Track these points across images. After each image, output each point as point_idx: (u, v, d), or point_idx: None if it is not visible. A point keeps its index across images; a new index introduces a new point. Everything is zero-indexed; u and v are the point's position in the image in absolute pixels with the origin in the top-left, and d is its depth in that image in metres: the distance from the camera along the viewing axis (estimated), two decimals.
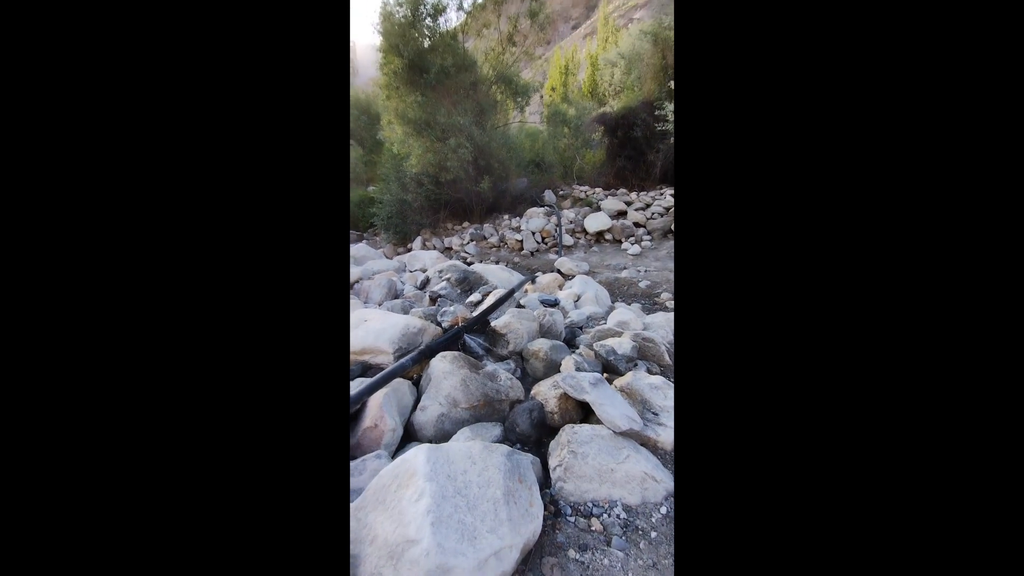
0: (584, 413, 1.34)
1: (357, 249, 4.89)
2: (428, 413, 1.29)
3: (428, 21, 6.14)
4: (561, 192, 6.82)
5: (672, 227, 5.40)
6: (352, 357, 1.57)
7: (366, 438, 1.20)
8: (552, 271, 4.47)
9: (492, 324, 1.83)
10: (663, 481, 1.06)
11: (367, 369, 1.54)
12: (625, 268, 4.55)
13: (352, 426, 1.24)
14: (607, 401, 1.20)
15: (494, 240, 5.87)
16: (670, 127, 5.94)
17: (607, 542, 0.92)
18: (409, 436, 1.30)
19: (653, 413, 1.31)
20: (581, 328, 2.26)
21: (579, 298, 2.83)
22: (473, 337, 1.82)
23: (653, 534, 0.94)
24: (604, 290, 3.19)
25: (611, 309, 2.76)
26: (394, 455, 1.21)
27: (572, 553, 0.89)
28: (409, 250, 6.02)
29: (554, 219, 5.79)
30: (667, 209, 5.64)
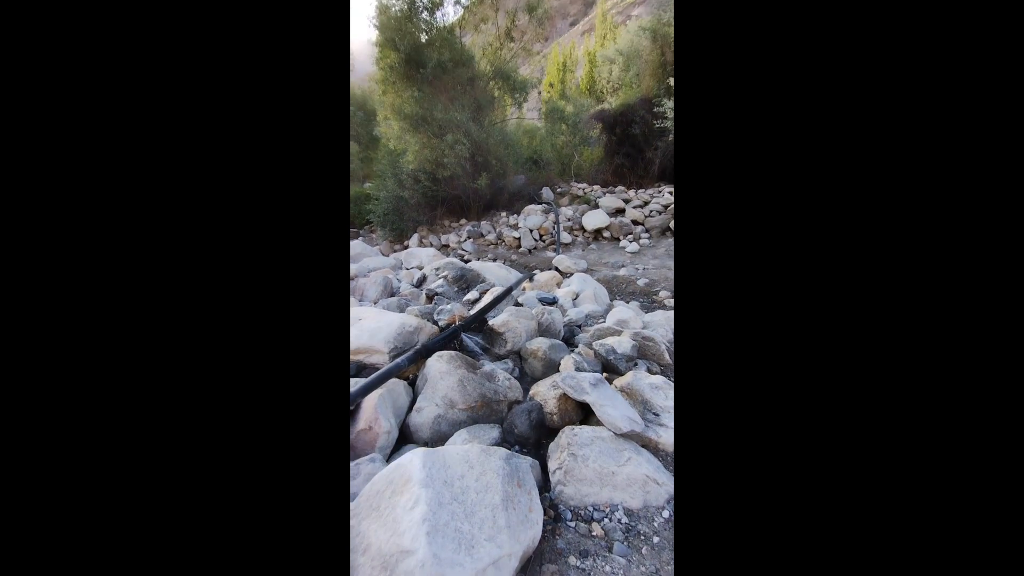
0: (584, 414, 1.31)
1: (353, 246, 4.84)
2: (424, 414, 1.26)
3: (425, 15, 6.06)
4: (559, 189, 6.78)
5: (671, 225, 5.38)
6: None
7: (360, 441, 1.17)
8: (550, 269, 4.44)
9: (490, 323, 1.80)
10: (665, 484, 1.03)
11: (361, 369, 1.51)
12: (623, 266, 4.53)
13: (349, 426, 1.21)
14: (608, 402, 1.17)
15: (491, 237, 5.83)
16: (669, 124, 5.91)
17: (608, 548, 0.89)
18: (405, 438, 1.27)
19: (654, 414, 1.28)
20: (580, 326, 2.23)
21: (577, 296, 2.80)
22: (470, 336, 1.79)
23: (655, 539, 0.92)
24: (603, 288, 3.16)
25: (610, 307, 2.74)
26: (389, 458, 1.18)
27: (573, 560, 0.86)
28: (406, 247, 5.97)
29: (552, 216, 5.75)
30: (665, 207, 5.62)
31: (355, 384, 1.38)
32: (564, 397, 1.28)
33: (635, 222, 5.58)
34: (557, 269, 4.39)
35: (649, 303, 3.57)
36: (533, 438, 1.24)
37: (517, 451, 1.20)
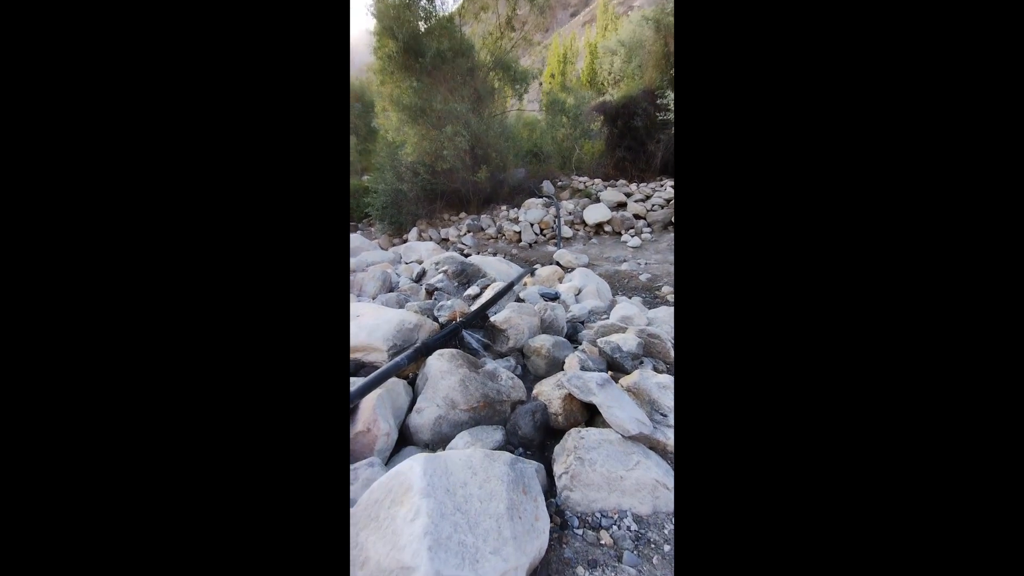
0: (589, 414, 1.27)
1: (351, 240, 4.77)
2: (425, 415, 1.22)
3: (424, 3, 5.93)
4: (559, 183, 6.70)
5: (673, 219, 5.32)
6: None
7: (358, 443, 1.12)
8: (551, 263, 4.39)
9: (491, 319, 1.75)
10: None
11: (359, 368, 1.46)
12: (625, 261, 4.48)
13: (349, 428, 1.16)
14: (615, 403, 1.13)
15: (492, 231, 5.77)
16: (672, 116, 5.82)
17: (618, 558, 0.86)
18: (404, 440, 1.23)
19: (661, 415, 1.24)
20: (583, 323, 2.19)
21: (580, 292, 2.75)
22: (471, 333, 1.74)
23: (666, 547, 0.88)
24: (605, 283, 3.12)
25: (613, 303, 2.69)
26: (388, 461, 1.14)
27: (581, 571, 0.82)
28: (405, 241, 5.90)
29: (553, 210, 5.69)
30: (668, 201, 5.55)
31: (353, 384, 1.33)
32: (569, 397, 1.24)
33: (637, 216, 5.51)
34: (558, 264, 4.34)
35: (652, 299, 3.52)
36: (537, 440, 1.20)
37: (521, 454, 1.16)
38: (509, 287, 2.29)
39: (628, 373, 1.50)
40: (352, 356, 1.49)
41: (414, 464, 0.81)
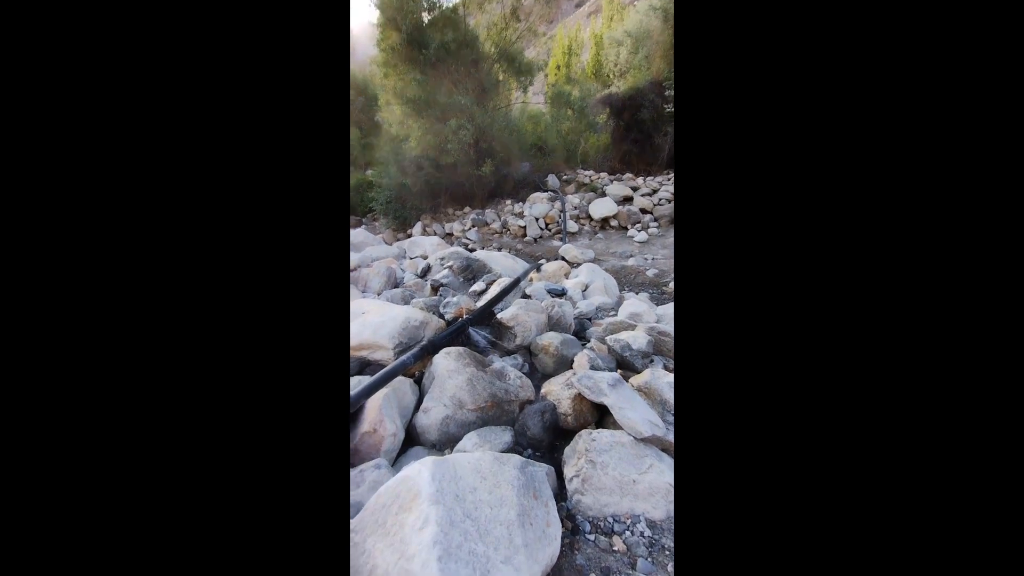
0: (599, 414, 1.24)
1: (356, 235, 4.75)
2: (432, 415, 1.20)
3: None
4: (565, 177, 6.62)
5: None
6: (349, 353, 1.47)
7: (364, 444, 1.10)
8: (556, 258, 4.34)
9: (498, 316, 1.72)
10: None
11: (365, 366, 1.44)
12: (632, 256, 4.42)
13: (350, 431, 1.14)
14: (627, 404, 1.10)
15: (496, 226, 5.72)
16: None
17: (632, 564, 0.83)
18: (411, 439, 1.21)
19: (673, 415, 1.21)
20: (590, 319, 2.15)
21: (587, 287, 2.71)
22: (478, 330, 1.72)
23: None
24: (612, 279, 3.07)
25: (621, 299, 2.65)
26: (395, 462, 1.12)
27: None
28: (409, 236, 5.87)
29: (558, 205, 5.62)
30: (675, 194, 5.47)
31: (359, 383, 1.31)
32: (579, 397, 1.21)
33: (643, 211, 5.44)
34: (563, 259, 4.30)
35: (659, 294, 3.48)
36: (547, 441, 1.17)
37: (530, 455, 1.14)
38: (515, 283, 2.25)
39: (638, 372, 1.47)
40: (357, 354, 1.47)
41: (422, 469, 0.79)
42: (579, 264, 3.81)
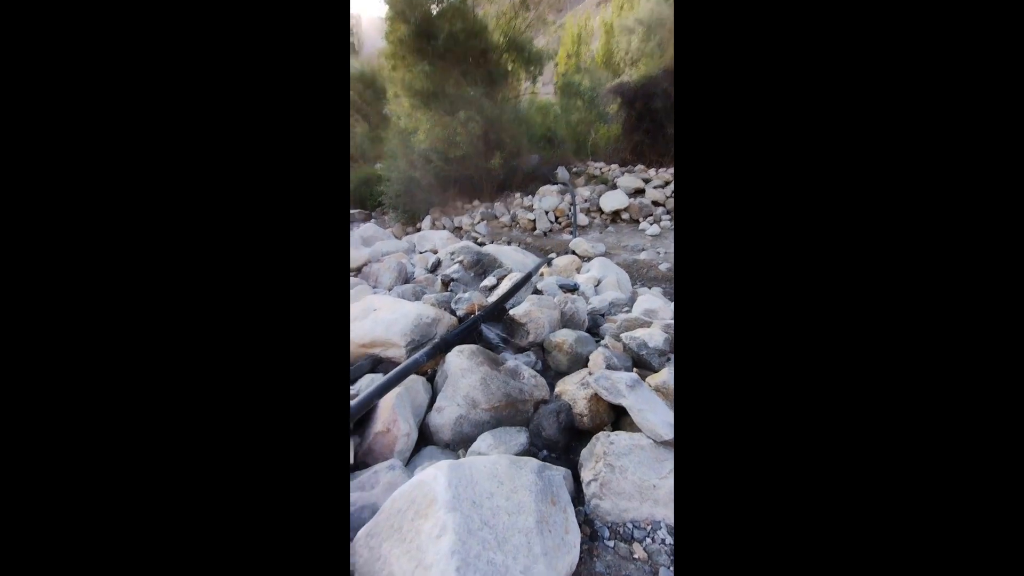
0: (616, 415, 1.21)
1: (365, 229, 4.75)
2: (445, 415, 1.18)
3: None
4: (575, 169, 6.52)
5: None
6: (361, 350, 1.46)
7: (378, 443, 1.09)
8: (566, 252, 4.29)
9: (511, 312, 1.70)
10: None
11: (377, 363, 1.43)
12: (643, 249, 4.35)
13: (362, 430, 1.13)
14: (647, 406, 1.07)
15: (505, 220, 5.67)
16: None
17: (653, 573, 0.80)
18: (424, 439, 1.19)
19: None
20: (603, 315, 2.11)
21: (599, 282, 2.67)
22: (490, 327, 1.69)
23: None
24: (625, 274, 3.02)
25: (634, 295, 2.60)
26: (409, 461, 1.10)
27: None
28: (418, 230, 5.86)
29: (568, 197, 5.55)
30: None
31: (372, 381, 1.30)
32: (596, 398, 1.18)
33: (655, 203, 5.33)
34: (574, 253, 4.24)
35: (672, 289, 3.41)
36: (562, 442, 1.14)
37: (545, 456, 1.11)
38: (527, 278, 2.22)
39: (655, 371, 1.43)
40: (370, 351, 1.46)
41: (438, 474, 0.77)
42: (590, 258, 3.75)
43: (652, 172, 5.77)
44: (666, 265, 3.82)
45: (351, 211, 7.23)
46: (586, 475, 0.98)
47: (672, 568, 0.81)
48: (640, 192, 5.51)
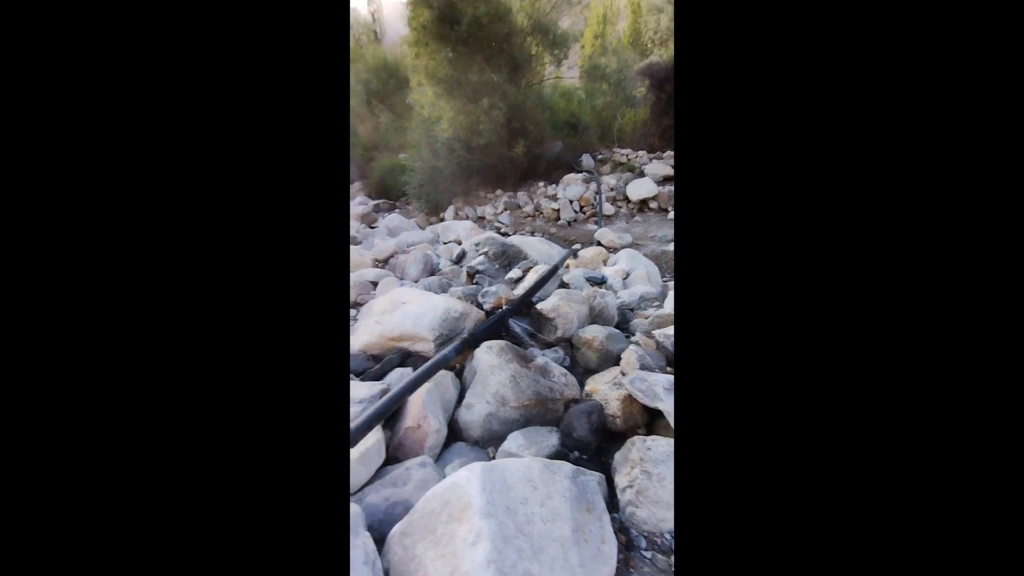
0: (649, 417, 1.16)
1: (391, 219, 4.80)
2: (475, 412, 1.17)
3: None
4: (600, 156, 6.32)
5: None
6: (391, 344, 1.46)
7: (408, 439, 1.09)
8: (591, 243, 4.19)
9: (538, 307, 1.66)
10: None
11: (406, 357, 1.43)
12: (672, 240, 4.19)
13: (392, 425, 1.14)
14: None
15: (529, 209, 5.60)
16: None
17: None
18: (453, 434, 1.19)
19: None
20: (632, 310, 2.04)
21: (628, 275, 2.59)
22: (517, 321, 1.66)
23: None
24: (654, 266, 2.92)
25: (665, 289, 2.51)
26: (438, 457, 1.10)
27: None
28: (442, 220, 5.87)
29: (593, 186, 5.40)
30: None
31: (401, 375, 1.30)
32: (629, 399, 1.13)
33: None
34: (599, 243, 4.13)
35: None
36: (594, 444, 1.11)
37: (576, 458, 1.09)
38: (553, 271, 2.17)
39: None
40: (399, 344, 1.47)
41: (471, 477, 0.75)
42: (617, 249, 3.65)
43: None
44: None
45: (376, 201, 7.33)
46: (621, 481, 0.95)
47: None
48: (669, 179, 5.29)
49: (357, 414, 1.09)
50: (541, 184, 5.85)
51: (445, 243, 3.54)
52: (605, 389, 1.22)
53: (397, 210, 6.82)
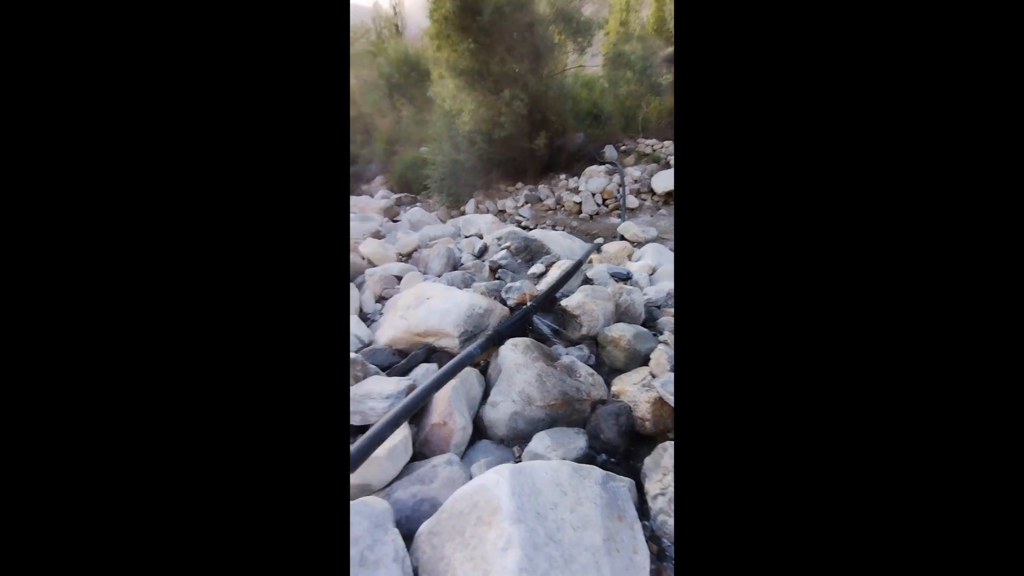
0: None
1: (412, 213, 4.84)
2: (500, 410, 1.16)
3: None
4: (623, 147, 6.16)
5: None
6: (416, 339, 1.47)
7: (434, 435, 1.10)
8: (614, 237, 4.10)
9: (563, 304, 1.63)
10: None
11: (431, 353, 1.44)
12: None
13: (418, 421, 1.14)
14: None
15: (550, 202, 5.53)
16: None
17: None
18: (478, 432, 1.18)
19: None
20: (660, 307, 1.98)
21: (654, 271, 2.51)
22: (541, 317, 1.64)
23: None
24: None
25: None
26: (464, 455, 1.10)
27: None
28: (462, 213, 5.88)
29: (616, 178, 5.27)
30: None
31: (427, 371, 1.31)
32: (660, 402, 1.10)
33: None
34: (623, 237, 4.04)
35: None
36: (622, 447, 1.09)
37: (604, 460, 1.06)
38: (577, 266, 2.13)
39: None
40: (424, 340, 1.47)
41: (500, 480, 0.74)
42: (642, 244, 3.56)
43: None
44: None
45: (398, 195, 7.41)
46: (652, 487, 0.92)
47: None
48: None
49: (384, 410, 1.10)
50: (562, 177, 5.76)
51: (466, 237, 3.54)
52: (633, 390, 1.19)
53: (418, 204, 6.87)
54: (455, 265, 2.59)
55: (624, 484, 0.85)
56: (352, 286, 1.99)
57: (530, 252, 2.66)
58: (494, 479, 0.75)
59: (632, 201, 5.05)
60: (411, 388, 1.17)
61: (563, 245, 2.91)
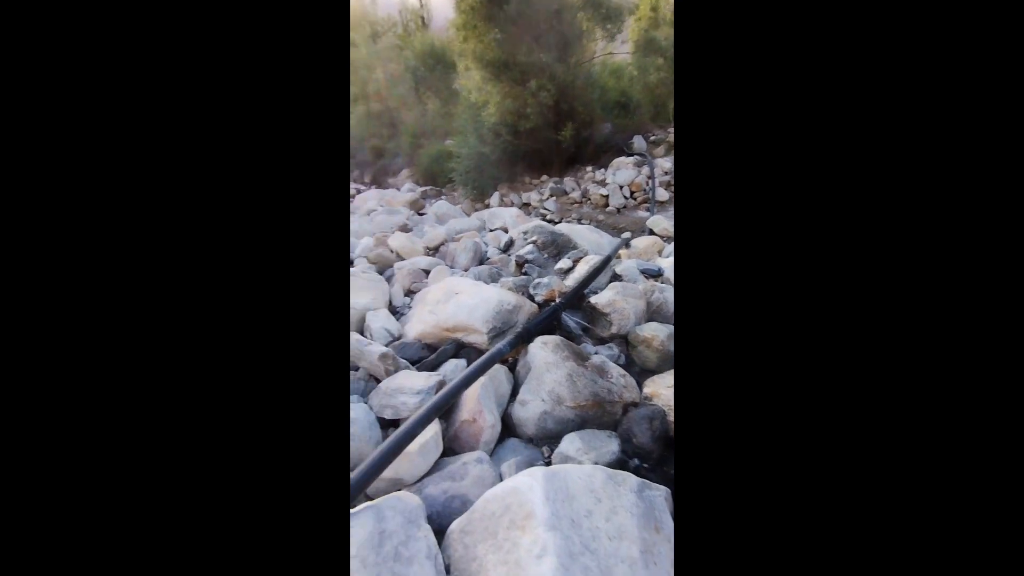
0: None
1: (438, 206, 4.87)
2: (529, 409, 1.15)
3: None
4: (652, 137, 5.95)
5: None
6: (445, 334, 1.48)
7: (463, 432, 1.10)
8: (642, 231, 3.98)
9: (593, 301, 1.59)
10: None
11: (460, 348, 1.44)
12: None
13: (448, 417, 1.15)
14: None
15: (576, 195, 5.42)
16: None
17: None
18: (507, 430, 1.18)
19: None
20: None
21: None
22: (570, 315, 1.61)
23: None
24: None
25: None
26: (493, 453, 1.10)
27: None
28: (487, 206, 5.87)
29: (645, 170, 5.10)
30: None
31: (456, 367, 1.31)
32: None
33: None
34: (651, 231, 3.91)
35: None
36: (656, 452, 1.05)
37: (636, 465, 1.03)
38: (606, 261, 2.07)
39: None
40: (452, 335, 1.47)
41: (533, 484, 0.73)
42: (671, 238, 3.44)
43: None
44: None
45: (423, 188, 7.48)
46: None
47: None
48: None
49: (416, 405, 1.11)
50: (589, 169, 5.63)
51: (491, 230, 3.53)
52: (667, 393, 1.15)
53: (443, 196, 6.91)
54: (481, 259, 2.59)
55: (660, 493, 0.82)
56: (382, 279, 2.01)
57: (557, 246, 2.62)
58: (527, 482, 0.74)
59: (662, 194, 4.88)
60: (441, 384, 1.17)
61: (590, 240, 2.85)
